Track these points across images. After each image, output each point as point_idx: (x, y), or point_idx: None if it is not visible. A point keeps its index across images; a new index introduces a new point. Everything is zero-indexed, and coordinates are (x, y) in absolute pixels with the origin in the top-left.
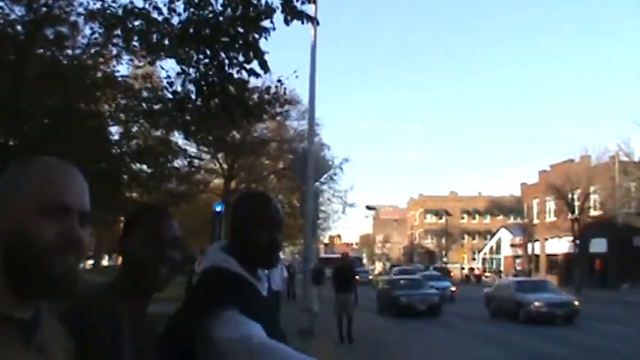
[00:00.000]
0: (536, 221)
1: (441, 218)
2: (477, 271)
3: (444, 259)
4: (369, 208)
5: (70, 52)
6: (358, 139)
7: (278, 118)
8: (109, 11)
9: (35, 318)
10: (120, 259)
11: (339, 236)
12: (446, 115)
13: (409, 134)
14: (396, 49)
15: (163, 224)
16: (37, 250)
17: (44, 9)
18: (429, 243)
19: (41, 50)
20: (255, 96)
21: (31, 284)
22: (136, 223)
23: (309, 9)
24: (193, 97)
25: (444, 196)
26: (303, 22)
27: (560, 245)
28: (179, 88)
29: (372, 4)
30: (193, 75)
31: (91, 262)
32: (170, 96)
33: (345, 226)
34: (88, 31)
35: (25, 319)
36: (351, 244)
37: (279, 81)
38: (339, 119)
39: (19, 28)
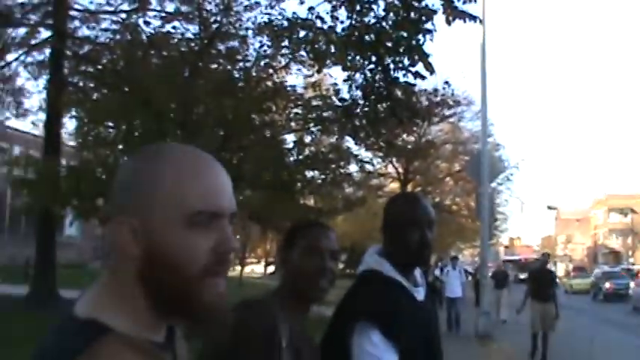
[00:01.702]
0: None
1: (626, 217)
2: None
3: (631, 260)
4: (550, 208)
5: (241, 64)
6: (537, 137)
7: (451, 120)
8: (275, 24)
9: (171, 336)
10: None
11: (519, 238)
12: (627, 108)
13: (589, 131)
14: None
15: (323, 238)
16: (182, 276)
17: (215, 26)
18: (614, 243)
19: (214, 65)
20: (424, 98)
21: (172, 312)
22: (297, 236)
23: (473, 9)
24: (361, 102)
25: (630, 195)
26: (465, 22)
27: None
28: (346, 95)
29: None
30: (359, 81)
31: (271, 268)
32: (338, 103)
33: (526, 227)
34: (257, 45)
35: (163, 342)
36: (531, 246)
37: (446, 82)
38: (516, 118)
39: (192, 45)
